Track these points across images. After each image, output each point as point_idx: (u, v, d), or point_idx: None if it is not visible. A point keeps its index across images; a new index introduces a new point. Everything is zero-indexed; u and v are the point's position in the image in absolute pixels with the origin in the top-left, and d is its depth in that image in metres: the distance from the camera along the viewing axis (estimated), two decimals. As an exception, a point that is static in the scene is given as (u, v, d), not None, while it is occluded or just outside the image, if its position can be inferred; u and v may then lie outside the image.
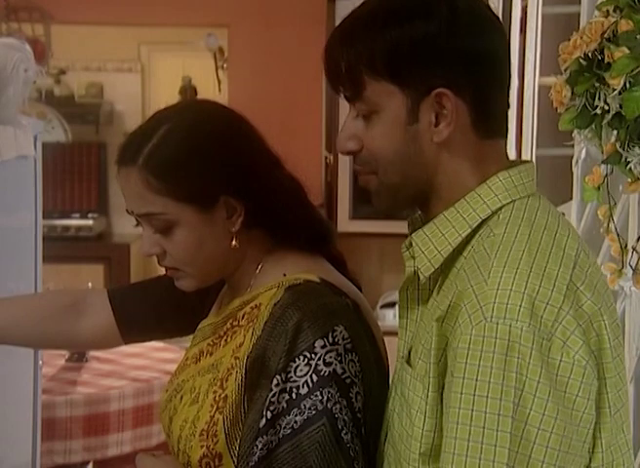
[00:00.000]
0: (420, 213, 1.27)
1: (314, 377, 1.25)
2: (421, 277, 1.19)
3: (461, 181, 1.19)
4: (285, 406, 1.25)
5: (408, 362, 1.21)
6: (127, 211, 1.38)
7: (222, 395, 1.32)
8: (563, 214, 1.21)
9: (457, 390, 1.07)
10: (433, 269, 1.18)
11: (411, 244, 1.21)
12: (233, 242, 1.36)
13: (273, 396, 1.25)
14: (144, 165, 1.33)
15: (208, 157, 1.34)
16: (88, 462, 3.14)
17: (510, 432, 1.04)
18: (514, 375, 1.05)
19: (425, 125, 1.17)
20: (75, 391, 3.09)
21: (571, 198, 2.68)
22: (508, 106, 1.23)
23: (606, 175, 1.88)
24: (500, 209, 1.17)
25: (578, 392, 1.07)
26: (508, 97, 1.24)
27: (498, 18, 1.24)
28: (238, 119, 1.42)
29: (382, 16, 1.17)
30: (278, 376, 1.26)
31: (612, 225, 1.91)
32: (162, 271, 1.45)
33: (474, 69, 1.16)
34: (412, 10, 1.16)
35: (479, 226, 1.17)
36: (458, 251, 1.17)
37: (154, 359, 3.43)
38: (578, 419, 1.08)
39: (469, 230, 1.17)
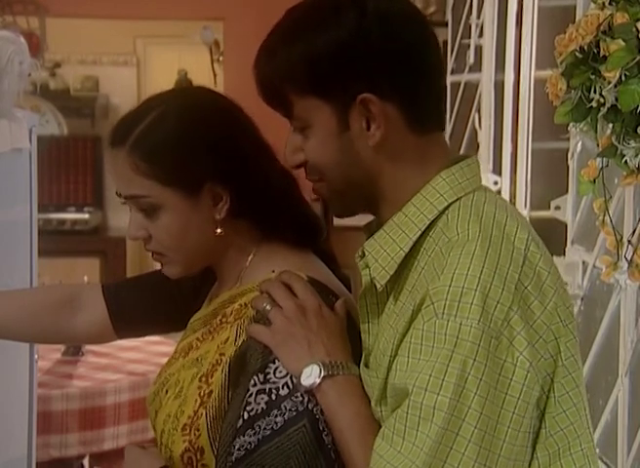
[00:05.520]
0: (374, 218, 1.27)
1: (295, 378, 1.23)
2: (378, 285, 1.19)
3: (406, 183, 1.19)
4: (264, 407, 1.23)
5: (367, 364, 1.22)
6: (116, 192, 1.39)
7: (207, 390, 1.31)
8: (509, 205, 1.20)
9: (401, 377, 1.09)
10: (389, 276, 1.18)
11: (364, 253, 1.21)
12: (218, 229, 1.36)
13: (250, 396, 1.24)
14: (133, 147, 1.33)
15: (194, 143, 1.34)
16: (84, 456, 3.14)
17: (442, 426, 1.05)
18: (456, 372, 1.06)
19: (357, 131, 1.17)
20: (71, 385, 3.10)
21: (566, 191, 2.69)
22: (445, 93, 1.22)
23: (601, 168, 1.88)
24: (448, 207, 1.17)
25: (519, 395, 1.08)
26: (444, 83, 1.22)
27: (414, 7, 1.22)
28: (230, 107, 1.41)
29: (296, 31, 1.18)
30: (256, 377, 1.24)
31: (607, 218, 1.90)
32: (158, 266, 1.45)
33: (395, 69, 1.15)
34: (322, 21, 1.16)
35: (428, 227, 1.17)
36: (410, 254, 1.17)
37: (150, 352, 3.44)
38: (518, 424, 1.08)
39: (419, 233, 1.17)
